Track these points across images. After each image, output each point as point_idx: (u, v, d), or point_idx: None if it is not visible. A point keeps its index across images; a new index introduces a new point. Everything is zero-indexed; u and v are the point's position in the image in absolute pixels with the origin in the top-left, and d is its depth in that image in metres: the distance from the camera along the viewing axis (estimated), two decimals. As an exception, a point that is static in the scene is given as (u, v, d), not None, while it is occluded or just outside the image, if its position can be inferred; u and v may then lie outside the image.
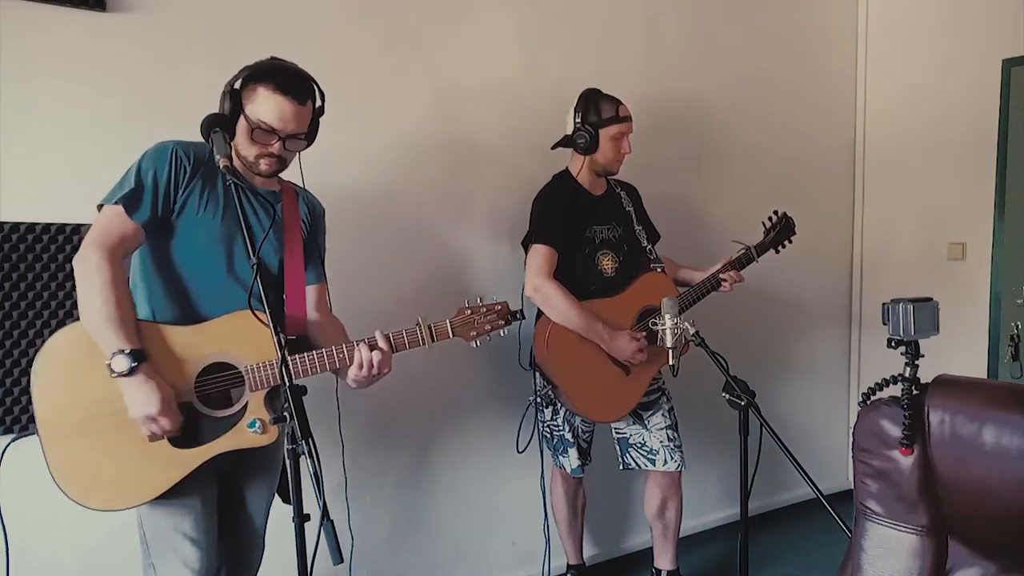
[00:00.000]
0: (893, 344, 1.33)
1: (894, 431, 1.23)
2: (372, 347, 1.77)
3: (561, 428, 2.61)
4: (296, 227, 1.88)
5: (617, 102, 2.52)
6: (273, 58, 1.78)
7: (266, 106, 1.72)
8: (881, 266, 3.75)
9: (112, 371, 1.57)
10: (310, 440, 1.45)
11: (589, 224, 2.55)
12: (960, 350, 3.21)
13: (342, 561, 1.39)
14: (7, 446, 1.67)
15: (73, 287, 2.07)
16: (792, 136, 3.59)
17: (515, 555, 2.91)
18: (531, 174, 2.83)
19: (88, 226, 2.06)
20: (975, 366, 3.24)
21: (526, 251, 2.52)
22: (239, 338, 1.69)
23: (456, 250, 2.74)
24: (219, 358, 1.69)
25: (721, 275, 2.63)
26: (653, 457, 2.62)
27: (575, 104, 2.53)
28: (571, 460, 2.62)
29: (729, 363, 1.90)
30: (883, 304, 1.35)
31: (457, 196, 2.74)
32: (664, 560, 2.77)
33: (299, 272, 1.87)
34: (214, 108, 1.80)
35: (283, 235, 1.85)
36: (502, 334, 1.95)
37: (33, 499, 1.86)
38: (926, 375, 1.25)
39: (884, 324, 1.34)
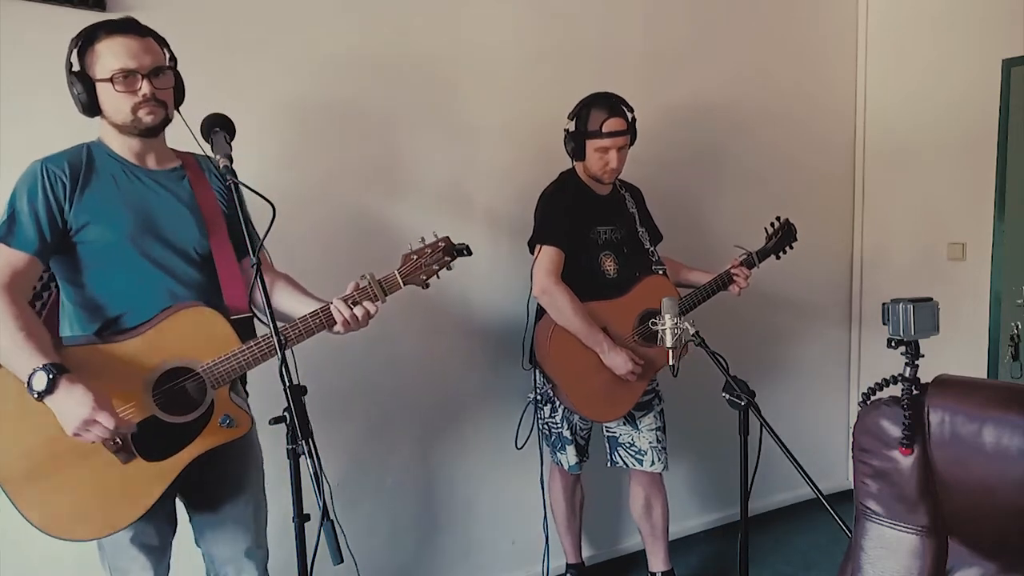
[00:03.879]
0: (893, 344, 1.33)
1: (894, 431, 1.23)
2: (353, 303, 1.75)
3: (559, 425, 2.61)
4: (211, 200, 1.77)
5: (606, 115, 2.45)
6: (89, 25, 1.68)
7: (110, 52, 1.61)
8: (881, 266, 3.74)
9: (34, 393, 1.46)
10: (310, 440, 1.45)
11: (593, 225, 2.55)
12: (960, 350, 3.21)
13: (342, 561, 1.39)
14: None
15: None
16: (792, 136, 3.59)
17: (515, 555, 2.91)
18: (531, 173, 2.84)
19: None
20: (975, 366, 3.23)
21: (531, 251, 2.53)
22: (186, 338, 1.64)
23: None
24: (173, 364, 1.63)
25: (734, 271, 2.63)
26: (641, 457, 2.63)
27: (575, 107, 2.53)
28: (569, 457, 2.63)
29: (729, 363, 1.90)
30: (883, 304, 1.35)
31: (457, 196, 2.74)
32: (657, 562, 2.78)
33: (228, 250, 1.77)
34: (213, 107, 1.80)
35: (202, 213, 1.74)
36: (448, 270, 1.91)
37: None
38: (926, 375, 1.25)
39: (884, 324, 1.34)
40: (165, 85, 1.69)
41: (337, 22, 2.47)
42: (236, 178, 1.63)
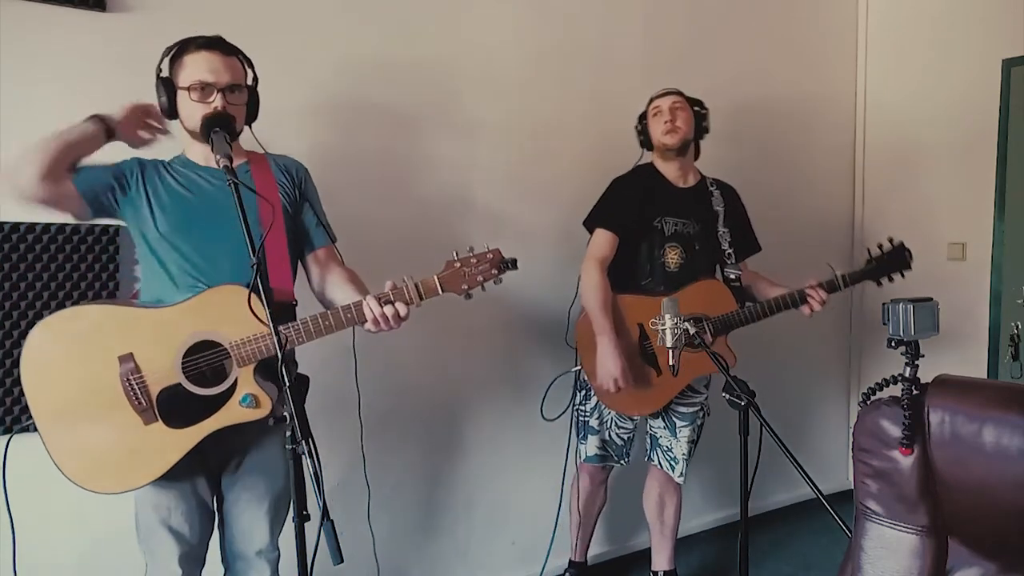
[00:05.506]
0: (893, 344, 1.33)
1: (894, 431, 1.23)
2: (386, 302, 1.75)
3: (588, 415, 2.63)
4: (272, 194, 1.84)
5: (655, 95, 2.62)
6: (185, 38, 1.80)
7: (194, 65, 1.74)
8: (881, 266, 3.74)
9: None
10: (310, 440, 1.45)
11: (659, 215, 2.54)
12: (960, 350, 3.21)
13: (342, 561, 1.39)
14: (8, 442, 1.67)
15: (73, 287, 2.08)
16: (792, 136, 3.59)
17: (515, 555, 2.91)
18: (531, 172, 2.84)
19: (87, 225, 2.08)
20: (975, 366, 3.24)
21: (589, 231, 2.58)
22: (220, 314, 1.69)
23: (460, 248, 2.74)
24: (204, 336, 1.69)
25: (809, 291, 2.51)
26: (674, 464, 2.65)
27: None
28: (588, 447, 2.65)
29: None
30: (883, 304, 1.35)
31: (457, 194, 2.74)
32: (661, 560, 2.78)
33: (280, 243, 1.84)
34: (213, 108, 1.80)
35: (259, 211, 1.80)
36: (496, 283, 1.85)
37: (32, 497, 1.86)
38: (926, 375, 1.25)
39: (884, 324, 1.34)
40: (238, 102, 1.79)
41: (337, 22, 2.47)
42: (236, 178, 1.63)
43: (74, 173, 1.72)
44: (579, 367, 2.55)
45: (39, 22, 2.03)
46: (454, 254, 1.83)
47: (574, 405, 2.66)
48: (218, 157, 1.64)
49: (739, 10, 3.37)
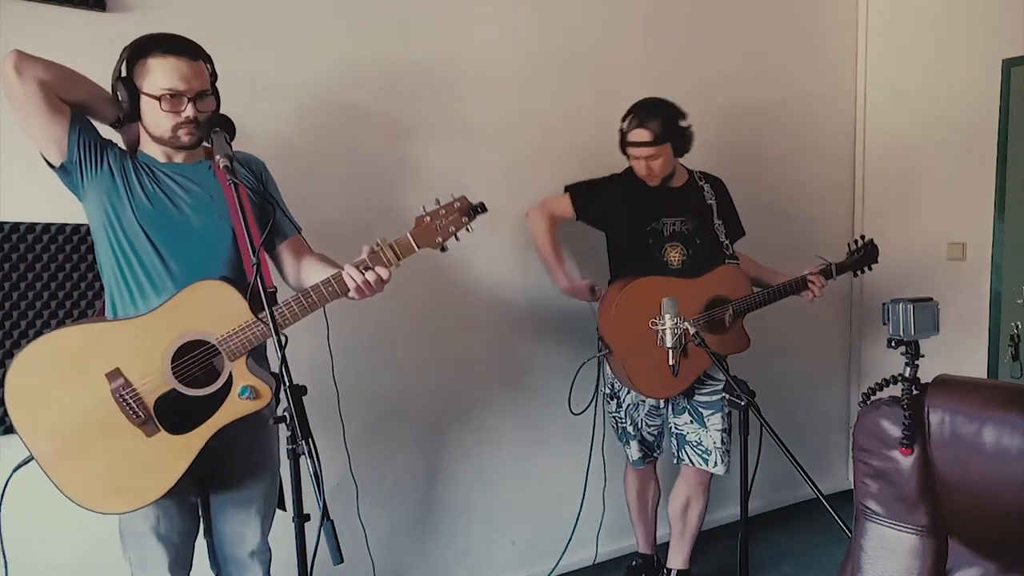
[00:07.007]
0: (893, 344, 1.33)
1: (894, 431, 1.23)
2: (365, 268, 1.72)
3: (624, 420, 2.70)
4: (243, 192, 1.80)
5: (634, 124, 2.50)
6: (145, 36, 1.75)
7: (162, 72, 1.68)
8: (881, 266, 3.73)
9: None
10: (310, 440, 1.45)
11: (658, 216, 2.60)
12: (960, 350, 3.21)
13: (342, 561, 1.39)
14: (11, 475, 1.66)
15: (73, 287, 2.09)
16: (792, 136, 3.58)
17: (515, 555, 2.91)
18: (531, 173, 2.84)
19: (87, 226, 2.08)
20: (975, 366, 3.23)
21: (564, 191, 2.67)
22: (201, 312, 1.67)
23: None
24: (189, 337, 1.67)
25: (810, 277, 2.65)
26: (707, 457, 2.64)
27: None
28: (632, 452, 2.73)
29: (729, 363, 1.90)
30: (883, 304, 1.35)
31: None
32: (677, 559, 2.80)
33: (252, 231, 1.79)
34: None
35: (227, 205, 1.76)
36: (468, 231, 1.83)
37: (29, 501, 1.86)
38: (926, 375, 1.25)
39: (884, 324, 1.34)
40: (207, 108, 1.76)
41: (337, 22, 2.47)
42: (237, 178, 1.63)
43: (72, 112, 1.69)
44: (603, 352, 2.54)
45: (39, 22, 2.03)
46: (422, 208, 1.80)
47: (610, 412, 2.73)
48: (218, 157, 1.64)
49: (739, 10, 3.37)
